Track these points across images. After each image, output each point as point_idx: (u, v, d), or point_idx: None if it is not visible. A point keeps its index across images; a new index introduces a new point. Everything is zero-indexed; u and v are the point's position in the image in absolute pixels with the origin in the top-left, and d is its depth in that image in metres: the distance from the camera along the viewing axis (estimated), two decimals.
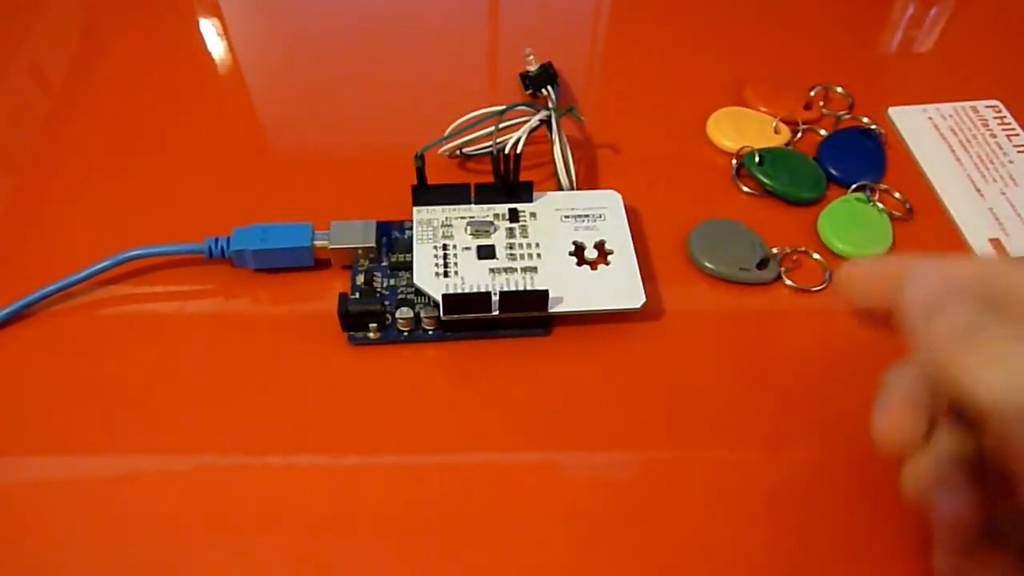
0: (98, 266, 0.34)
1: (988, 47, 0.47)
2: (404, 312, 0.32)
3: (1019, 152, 0.41)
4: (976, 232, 0.37)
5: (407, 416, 0.31)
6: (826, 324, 0.34)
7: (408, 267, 0.34)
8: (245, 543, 0.28)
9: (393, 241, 0.35)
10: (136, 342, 0.33)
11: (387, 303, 0.33)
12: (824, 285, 0.35)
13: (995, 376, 0.17)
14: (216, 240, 0.34)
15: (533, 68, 0.41)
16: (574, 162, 0.38)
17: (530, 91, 0.42)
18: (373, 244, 0.34)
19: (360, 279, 0.34)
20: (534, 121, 0.37)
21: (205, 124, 0.41)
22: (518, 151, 0.34)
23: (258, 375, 0.32)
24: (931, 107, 0.43)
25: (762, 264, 0.35)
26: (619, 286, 0.33)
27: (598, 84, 0.45)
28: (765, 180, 0.38)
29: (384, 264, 0.34)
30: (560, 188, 0.37)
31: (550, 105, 0.39)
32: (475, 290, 0.32)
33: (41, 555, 0.27)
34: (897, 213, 0.38)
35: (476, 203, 0.35)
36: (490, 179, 0.35)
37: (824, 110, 0.43)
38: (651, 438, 0.30)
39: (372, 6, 0.49)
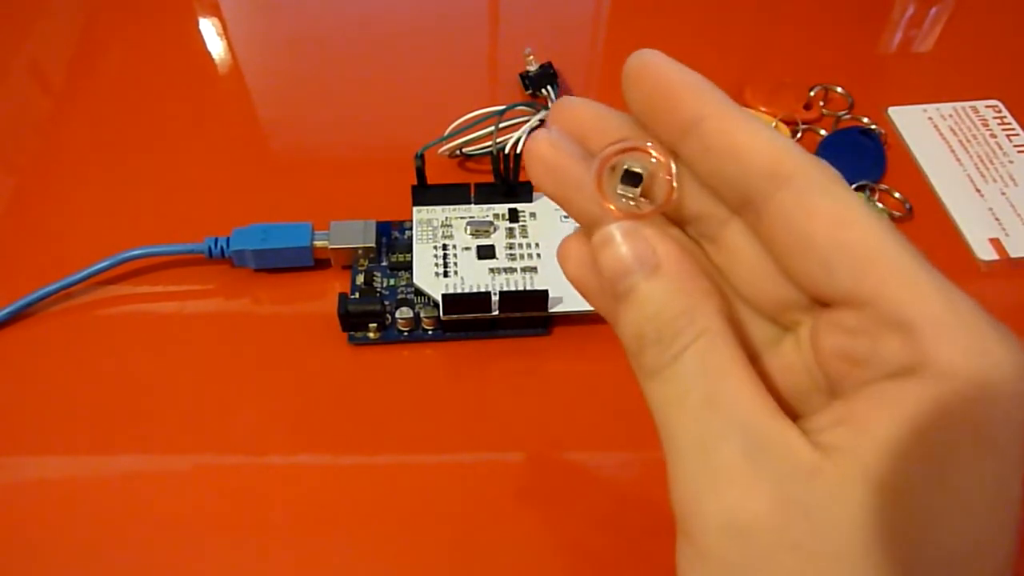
0: (98, 266, 0.34)
1: (988, 47, 0.47)
2: (404, 312, 0.32)
3: (1019, 152, 0.41)
4: (976, 232, 0.37)
5: (407, 416, 0.31)
6: None
7: (408, 267, 0.34)
8: (245, 543, 0.28)
9: (393, 241, 0.35)
10: (136, 342, 0.33)
11: (387, 303, 0.33)
12: None
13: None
14: (216, 240, 0.34)
15: (533, 68, 0.41)
16: None
17: (530, 91, 0.42)
18: (373, 244, 0.34)
19: (360, 279, 0.34)
20: (534, 121, 0.37)
21: (205, 124, 0.41)
22: (518, 151, 0.34)
23: (258, 375, 0.32)
24: (931, 107, 0.43)
25: None
26: None
27: (598, 84, 0.45)
28: None
29: (384, 264, 0.34)
30: None
31: (550, 105, 0.39)
32: (475, 290, 0.32)
33: (41, 555, 0.27)
34: (897, 213, 0.38)
35: (476, 203, 0.35)
36: (490, 179, 0.35)
37: (824, 110, 0.43)
38: (651, 438, 0.30)
39: (372, 6, 0.49)
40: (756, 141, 0.15)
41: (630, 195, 0.17)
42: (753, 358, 0.17)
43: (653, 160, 0.17)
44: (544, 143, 0.18)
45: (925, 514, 0.14)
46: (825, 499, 0.14)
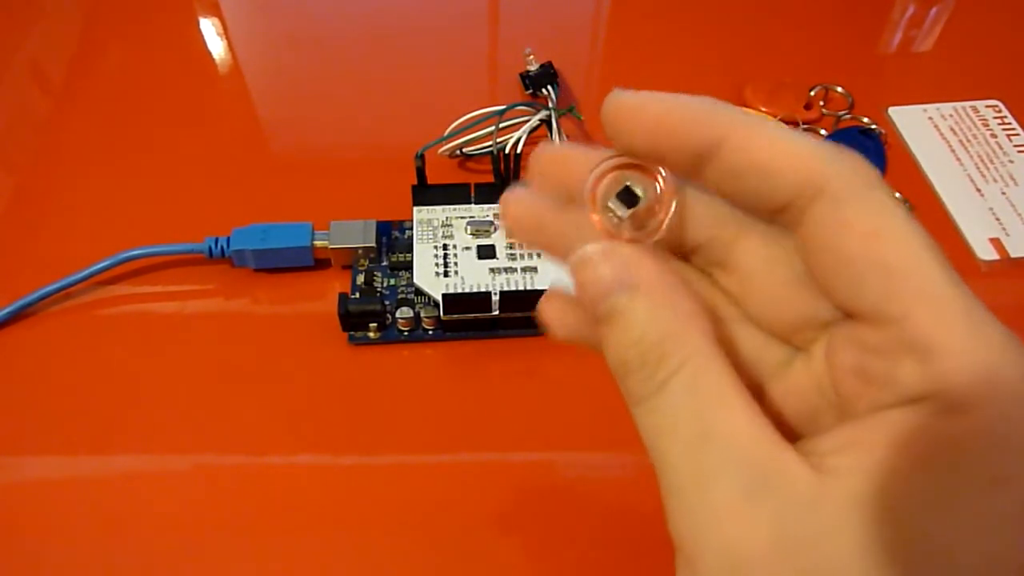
0: (98, 266, 0.34)
1: (988, 47, 0.47)
2: (404, 312, 0.32)
3: (1019, 152, 0.41)
4: (976, 232, 0.37)
5: (407, 416, 0.31)
6: None
7: (408, 267, 0.34)
8: (245, 543, 0.28)
9: (393, 241, 0.35)
10: (136, 342, 0.33)
11: (387, 303, 0.33)
12: None
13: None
14: (216, 240, 0.34)
15: (533, 68, 0.41)
16: None
17: (530, 91, 0.42)
18: (373, 244, 0.34)
19: (360, 279, 0.34)
20: (534, 121, 0.37)
21: (205, 124, 0.41)
22: (518, 151, 0.34)
23: (258, 375, 0.32)
24: (931, 107, 0.43)
25: None
26: None
27: (598, 84, 0.45)
28: None
29: (384, 264, 0.34)
30: None
31: (550, 105, 0.39)
32: (475, 290, 0.32)
33: (41, 555, 0.27)
34: None
35: (476, 203, 0.35)
36: (490, 179, 0.35)
37: (824, 110, 0.43)
38: None
39: (372, 6, 0.49)
40: (787, 154, 0.15)
41: (619, 214, 0.16)
42: (764, 380, 0.17)
43: (658, 189, 0.16)
44: (512, 203, 0.17)
45: (929, 547, 0.13)
46: (826, 529, 0.13)
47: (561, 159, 0.17)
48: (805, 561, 0.13)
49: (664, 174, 0.16)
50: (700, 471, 0.14)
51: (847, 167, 0.14)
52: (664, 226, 0.16)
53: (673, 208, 0.16)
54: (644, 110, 0.15)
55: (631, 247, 0.15)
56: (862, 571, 0.13)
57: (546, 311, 0.18)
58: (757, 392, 0.17)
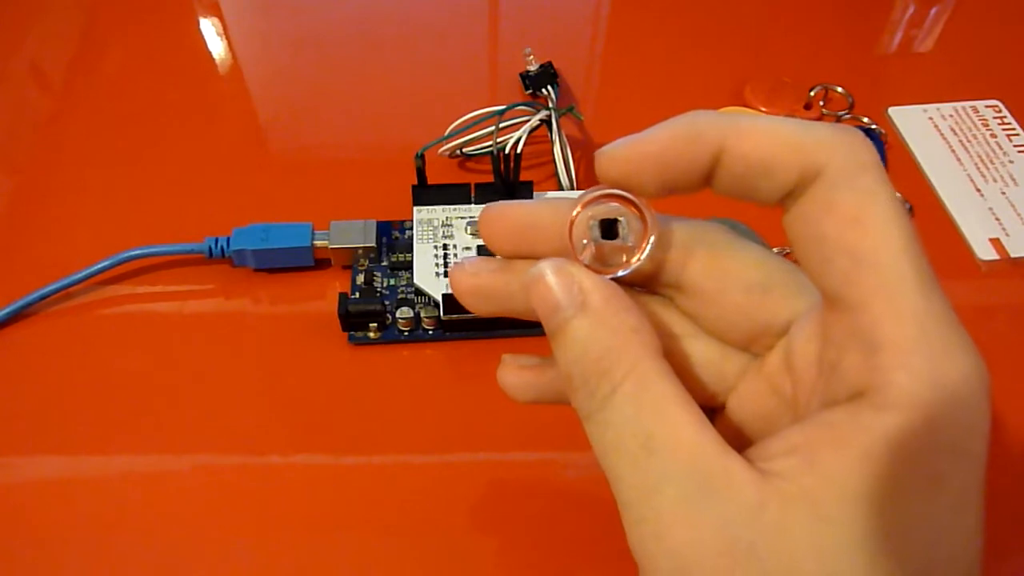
0: (98, 266, 0.34)
1: (988, 47, 0.47)
2: (404, 312, 0.32)
3: (1019, 152, 0.41)
4: (976, 232, 0.37)
5: (407, 416, 0.31)
6: None
7: (408, 267, 0.34)
8: (245, 543, 0.28)
9: (393, 241, 0.35)
10: (136, 342, 0.33)
11: (387, 303, 0.33)
12: None
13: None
14: (216, 240, 0.34)
15: (533, 68, 0.41)
16: (574, 162, 0.38)
17: (530, 91, 0.42)
18: (373, 244, 0.34)
19: (360, 279, 0.34)
20: (534, 121, 0.37)
21: (205, 124, 0.41)
22: (518, 151, 0.34)
23: (258, 375, 0.32)
24: (931, 107, 0.43)
25: None
26: None
27: (598, 84, 0.45)
28: None
29: (384, 264, 0.34)
30: (560, 188, 0.37)
31: (550, 105, 0.39)
32: None
33: (41, 555, 0.27)
34: None
35: (476, 203, 0.35)
36: (490, 179, 0.35)
37: (824, 110, 0.43)
38: None
39: (372, 6, 0.49)
40: (783, 146, 0.15)
41: (594, 242, 0.16)
42: (725, 389, 0.18)
43: (639, 228, 0.16)
44: (462, 274, 0.18)
45: (875, 546, 0.13)
46: (772, 532, 0.14)
47: (510, 221, 0.18)
48: (754, 564, 0.14)
49: (649, 213, 0.16)
50: (646, 482, 0.15)
51: (844, 147, 0.15)
52: (631, 268, 0.16)
53: (646, 254, 0.16)
54: (642, 152, 0.16)
55: (579, 266, 0.16)
56: (809, 573, 0.13)
57: (503, 377, 0.19)
58: (718, 402, 0.18)
